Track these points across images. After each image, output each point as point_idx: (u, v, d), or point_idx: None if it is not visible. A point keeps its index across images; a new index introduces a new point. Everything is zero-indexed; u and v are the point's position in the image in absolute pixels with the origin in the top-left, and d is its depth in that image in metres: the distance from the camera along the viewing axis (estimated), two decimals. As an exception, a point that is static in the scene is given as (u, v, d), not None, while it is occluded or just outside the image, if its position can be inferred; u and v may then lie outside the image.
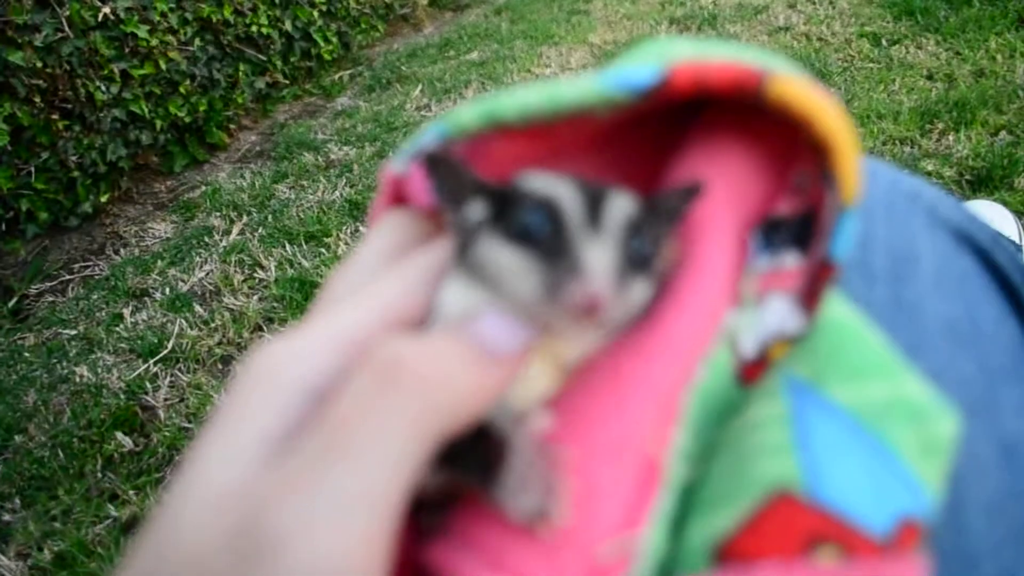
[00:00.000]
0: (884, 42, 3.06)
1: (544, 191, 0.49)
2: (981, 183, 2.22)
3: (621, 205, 0.49)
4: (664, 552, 0.49)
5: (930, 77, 2.73)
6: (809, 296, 0.55)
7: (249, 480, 0.39)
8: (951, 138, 2.41)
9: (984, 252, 0.73)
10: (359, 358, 0.43)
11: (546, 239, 0.47)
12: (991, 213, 2.03)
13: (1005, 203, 2.09)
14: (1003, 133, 2.37)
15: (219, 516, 0.38)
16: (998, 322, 0.68)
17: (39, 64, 2.91)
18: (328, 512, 0.36)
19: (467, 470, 0.46)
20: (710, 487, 0.51)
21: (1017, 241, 1.95)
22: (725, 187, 0.58)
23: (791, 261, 0.56)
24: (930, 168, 2.31)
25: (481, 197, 0.52)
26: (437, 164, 0.52)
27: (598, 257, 0.45)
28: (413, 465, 0.40)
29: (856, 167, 0.51)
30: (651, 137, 0.67)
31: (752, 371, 0.54)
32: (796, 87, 0.50)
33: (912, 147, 2.44)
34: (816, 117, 0.50)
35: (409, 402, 0.39)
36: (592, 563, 0.45)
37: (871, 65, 2.93)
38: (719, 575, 0.44)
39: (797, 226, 0.57)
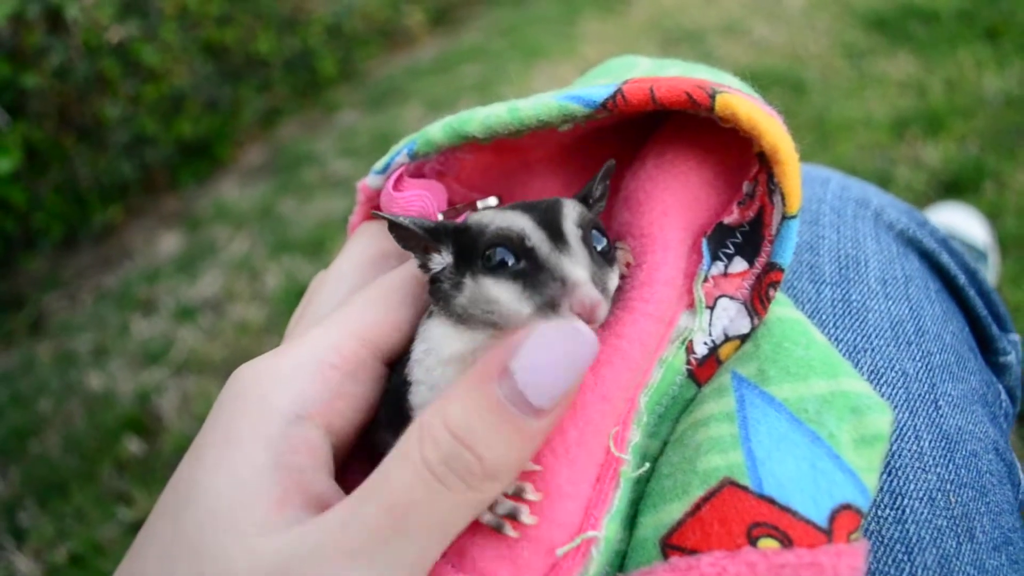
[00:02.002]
0: (859, 56, 3.15)
1: (506, 228, 0.51)
2: (951, 189, 2.30)
3: (570, 214, 0.52)
4: (620, 544, 0.52)
5: (902, 88, 2.82)
6: (757, 299, 0.59)
7: (264, 519, 0.44)
8: (922, 146, 2.49)
9: (930, 255, 0.78)
10: (417, 437, 0.45)
11: (524, 268, 0.50)
12: (962, 216, 2.09)
13: (973, 207, 2.17)
14: (971, 141, 2.46)
15: (257, 570, 0.43)
16: (942, 322, 0.71)
17: (52, 86, 3.02)
18: (388, 573, 0.42)
19: None
20: (662, 481, 0.54)
21: (982, 241, 2.00)
22: (675, 196, 0.62)
23: (740, 266, 0.60)
24: (902, 174, 2.40)
25: (439, 243, 0.55)
26: (392, 226, 0.55)
27: (578, 269, 0.49)
28: (459, 531, 0.46)
29: (798, 179, 0.55)
30: (616, 150, 0.70)
31: (704, 370, 0.58)
32: (743, 103, 0.53)
33: (885, 155, 2.52)
34: (761, 131, 0.53)
35: (463, 497, 0.44)
36: (552, 560, 0.49)
37: (847, 77, 3.02)
38: (666, 569, 0.47)
39: (746, 234, 0.60)
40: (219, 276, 3.11)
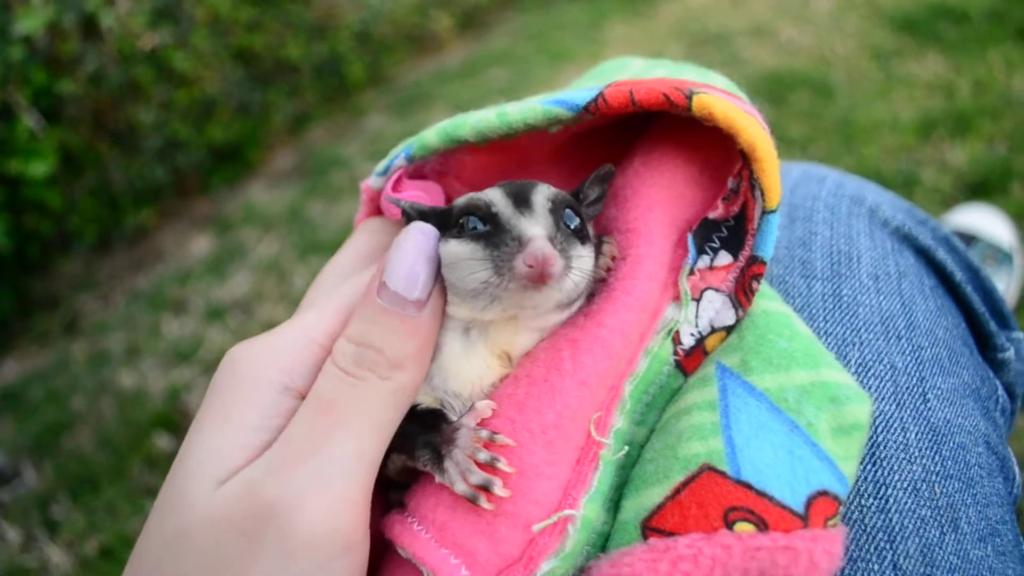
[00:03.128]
0: (886, 57, 3.11)
1: (476, 197, 0.56)
2: (977, 190, 2.27)
3: (543, 191, 0.56)
4: (603, 525, 0.55)
5: (930, 90, 2.78)
6: (741, 291, 0.60)
7: (238, 466, 0.50)
8: (949, 148, 2.46)
9: (926, 251, 0.78)
10: (326, 357, 0.54)
11: (488, 231, 0.53)
12: (987, 218, 2.06)
13: (1000, 209, 2.14)
14: (999, 142, 2.42)
15: (222, 500, 0.49)
16: (935, 317, 0.72)
17: (86, 93, 3.10)
18: (333, 470, 0.48)
19: (421, 455, 0.55)
20: (644, 466, 0.56)
21: (1008, 243, 1.97)
22: (661, 193, 0.64)
23: (725, 260, 0.62)
24: (928, 176, 2.36)
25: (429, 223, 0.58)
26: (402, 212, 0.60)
27: (533, 228, 0.51)
28: (391, 428, 0.53)
29: (777, 175, 0.57)
30: (617, 146, 0.73)
31: (691, 361, 0.60)
32: (719, 103, 0.55)
33: (911, 157, 2.49)
34: (738, 129, 0.55)
35: (378, 386, 0.52)
36: (529, 536, 0.51)
37: (873, 79, 2.98)
38: (645, 550, 0.49)
39: (731, 228, 0.62)
40: (248, 277, 3.16)
